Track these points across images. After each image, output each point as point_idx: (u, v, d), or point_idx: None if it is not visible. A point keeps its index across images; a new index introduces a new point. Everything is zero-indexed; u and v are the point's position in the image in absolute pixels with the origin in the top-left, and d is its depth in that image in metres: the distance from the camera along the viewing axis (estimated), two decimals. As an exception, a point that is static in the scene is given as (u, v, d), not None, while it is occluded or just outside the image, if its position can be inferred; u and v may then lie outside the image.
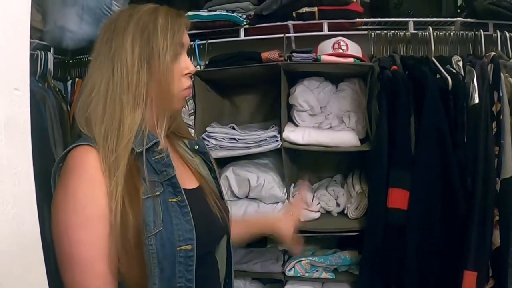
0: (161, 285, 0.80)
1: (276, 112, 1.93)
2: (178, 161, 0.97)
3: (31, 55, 1.61)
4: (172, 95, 0.90)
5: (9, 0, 0.64)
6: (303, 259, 1.90)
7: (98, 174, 0.79)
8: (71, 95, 2.00)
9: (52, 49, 1.97)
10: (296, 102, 1.93)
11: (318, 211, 1.92)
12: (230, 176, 1.88)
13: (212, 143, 1.86)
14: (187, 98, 0.98)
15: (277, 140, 1.85)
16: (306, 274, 1.89)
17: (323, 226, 1.86)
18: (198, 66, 1.96)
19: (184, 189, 0.87)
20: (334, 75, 2.01)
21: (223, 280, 1.02)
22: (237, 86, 2.24)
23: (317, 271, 1.90)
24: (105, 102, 0.84)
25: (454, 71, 1.71)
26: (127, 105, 0.84)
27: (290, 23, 1.95)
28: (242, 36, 2.00)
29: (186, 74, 0.92)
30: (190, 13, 1.94)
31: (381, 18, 1.97)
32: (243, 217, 1.72)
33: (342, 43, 1.83)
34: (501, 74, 1.63)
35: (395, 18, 1.94)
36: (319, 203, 1.92)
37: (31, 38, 0.71)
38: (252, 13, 2.00)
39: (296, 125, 1.95)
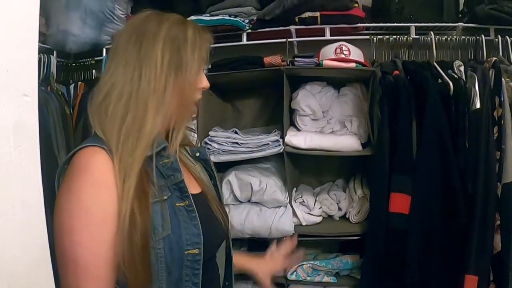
0: None
1: (278, 117, 1.93)
2: (182, 167, 0.97)
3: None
4: (192, 105, 0.93)
5: (19, 8, 0.65)
6: (305, 263, 1.90)
7: (106, 176, 0.78)
8: (73, 98, 2.01)
9: (55, 52, 1.99)
10: (298, 106, 1.93)
11: (320, 215, 1.92)
12: (233, 180, 1.88)
13: (215, 147, 1.87)
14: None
15: (279, 145, 1.85)
16: (308, 278, 1.89)
17: (325, 230, 1.86)
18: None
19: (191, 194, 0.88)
20: (336, 80, 2.01)
21: (222, 283, 1.03)
22: (240, 91, 2.25)
23: (318, 275, 1.90)
24: (128, 102, 0.84)
25: (455, 76, 1.71)
26: (152, 108, 0.84)
27: (292, 27, 1.96)
28: (244, 41, 2.01)
29: (201, 87, 0.95)
30: (192, 17, 1.94)
31: (383, 23, 1.98)
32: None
33: (344, 48, 1.83)
34: (503, 79, 1.63)
35: (397, 23, 1.95)
36: (321, 207, 1.93)
37: (34, 42, 0.71)
38: (254, 17, 2.00)
39: (298, 130, 1.96)
